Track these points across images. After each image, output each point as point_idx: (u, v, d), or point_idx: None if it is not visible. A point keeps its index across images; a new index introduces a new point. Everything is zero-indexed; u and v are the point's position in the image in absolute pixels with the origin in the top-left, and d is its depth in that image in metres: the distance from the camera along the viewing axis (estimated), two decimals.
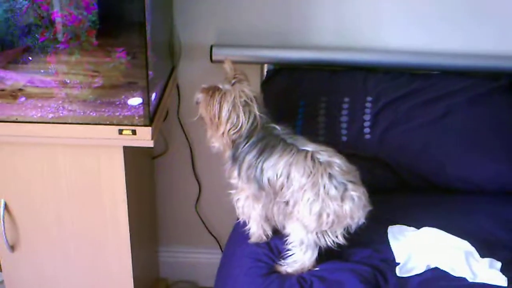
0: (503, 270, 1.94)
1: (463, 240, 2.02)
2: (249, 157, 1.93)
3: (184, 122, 2.63)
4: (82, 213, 2.17)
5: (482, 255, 1.98)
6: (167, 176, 2.77)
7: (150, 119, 2.00)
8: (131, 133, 1.97)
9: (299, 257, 1.93)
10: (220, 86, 1.94)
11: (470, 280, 1.91)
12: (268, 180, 1.91)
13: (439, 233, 2.04)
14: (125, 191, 2.11)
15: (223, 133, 1.95)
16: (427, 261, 1.96)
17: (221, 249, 2.79)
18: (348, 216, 1.86)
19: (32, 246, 2.22)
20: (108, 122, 1.99)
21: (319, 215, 1.85)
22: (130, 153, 2.10)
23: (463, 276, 1.93)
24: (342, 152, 1.94)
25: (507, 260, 1.98)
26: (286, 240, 1.96)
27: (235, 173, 1.99)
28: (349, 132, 2.35)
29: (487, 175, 2.32)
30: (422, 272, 1.94)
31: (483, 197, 2.34)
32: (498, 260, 1.98)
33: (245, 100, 1.92)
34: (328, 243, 1.92)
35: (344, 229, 1.91)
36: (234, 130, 1.94)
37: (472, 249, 1.99)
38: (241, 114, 1.92)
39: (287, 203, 1.91)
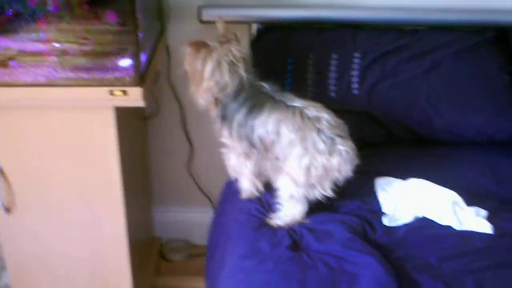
0: (489, 218, 1.98)
1: (450, 190, 2.05)
2: (239, 116, 1.96)
3: (175, 84, 2.64)
4: (77, 174, 2.19)
5: (469, 204, 2.02)
6: (160, 137, 2.80)
7: (140, 80, 2.02)
8: (122, 94, 1.99)
9: (289, 211, 1.97)
10: (209, 44, 1.96)
11: (457, 228, 1.95)
12: (259, 137, 1.94)
13: (426, 183, 2.07)
14: (118, 151, 2.13)
15: (205, 90, 1.97)
16: (414, 211, 2.00)
17: (213, 208, 2.82)
18: (336, 169, 1.90)
19: (27, 208, 2.25)
20: (99, 84, 2.01)
21: (308, 169, 1.89)
22: (122, 114, 2.12)
23: (450, 224, 1.96)
24: (331, 108, 1.96)
25: (493, 209, 2.02)
26: (277, 194, 2.00)
27: (226, 132, 2.02)
28: (337, 88, 2.38)
29: (474, 127, 2.35)
30: (409, 222, 1.98)
31: (470, 148, 2.38)
32: (484, 209, 2.02)
33: (231, 60, 1.94)
34: (317, 196, 1.96)
35: (333, 183, 1.95)
36: (218, 88, 1.96)
37: (458, 198, 2.02)
38: (226, 73, 1.94)
39: (278, 158, 1.95)
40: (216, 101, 2.00)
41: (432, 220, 1.99)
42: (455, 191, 2.05)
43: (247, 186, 2.09)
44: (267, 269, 1.76)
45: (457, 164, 2.28)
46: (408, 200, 2.03)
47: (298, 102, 1.94)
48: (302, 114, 1.90)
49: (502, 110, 2.37)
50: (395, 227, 1.97)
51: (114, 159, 2.15)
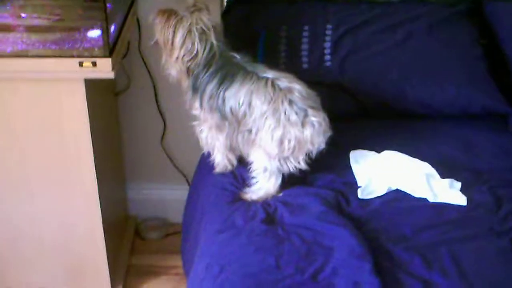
0: (463, 190, 1.98)
1: (424, 162, 2.04)
2: (210, 87, 1.93)
3: (147, 56, 2.60)
4: (46, 150, 2.16)
5: (443, 176, 2.01)
6: (131, 112, 2.76)
7: (110, 50, 1.98)
8: (91, 65, 1.95)
9: (263, 184, 1.96)
10: (179, 12, 1.93)
11: (431, 200, 1.95)
12: (231, 109, 1.92)
13: (400, 156, 2.07)
14: (88, 125, 2.10)
15: (177, 59, 1.93)
16: (388, 183, 2.00)
17: (188, 185, 2.79)
18: (308, 141, 1.89)
19: None
20: (68, 55, 1.98)
21: (281, 141, 1.87)
22: (92, 88, 2.08)
23: (424, 196, 1.96)
24: (304, 80, 1.95)
25: (467, 180, 2.02)
26: (250, 168, 1.98)
27: (197, 103, 1.99)
28: (309, 60, 2.36)
29: (447, 99, 2.35)
30: (383, 194, 1.98)
31: (443, 121, 2.37)
32: (458, 181, 2.02)
33: (201, 28, 1.90)
34: (291, 169, 1.95)
35: (306, 155, 1.93)
36: (189, 57, 1.92)
37: (432, 170, 2.02)
38: (197, 41, 1.90)
39: (250, 131, 1.93)
40: (188, 71, 1.96)
41: (406, 193, 1.99)
42: (429, 163, 2.04)
43: (220, 159, 2.07)
44: (241, 243, 1.75)
45: (430, 137, 2.27)
46: (382, 172, 2.02)
47: (270, 73, 1.92)
48: (274, 85, 1.89)
49: (474, 82, 2.37)
50: (369, 199, 1.96)
51: (85, 134, 2.12)
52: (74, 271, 2.40)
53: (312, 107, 1.89)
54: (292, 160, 1.93)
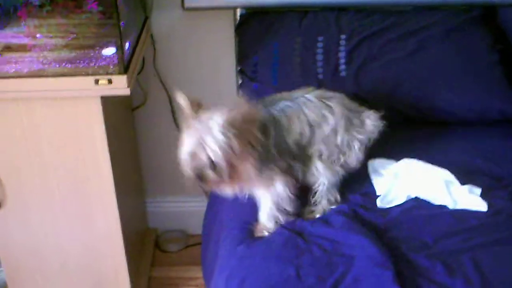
0: (483, 196, 1.96)
1: (443, 169, 2.03)
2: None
3: (162, 72, 2.61)
4: (65, 166, 2.17)
5: (462, 182, 1.99)
6: (148, 127, 2.77)
7: (125, 67, 2.00)
8: (107, 82, 1.97)
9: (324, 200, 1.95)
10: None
11: (451, 207, 1.94)
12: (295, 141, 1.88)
13: (419, 163, 2.05)
14: (106, 142, 2.11)
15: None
16: (407, 192, 1.98)
17: (207, 196, 2.79)
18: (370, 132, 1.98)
19: (18, 201, 2.23)
20: (83, 73, 1.99)
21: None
22: (108, 104, 2.10)
23: (444, 203, 1.95)
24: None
25: (486, 186, 2.00)
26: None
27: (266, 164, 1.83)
28: (324, 70, 2.35)
29: (464, 106, 2.33)
30: (403, 202, 1.96)
31: (460, 128, 2.35)
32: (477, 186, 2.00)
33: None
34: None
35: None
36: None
37: (451, 177, 2.00)
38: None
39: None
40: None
41: (425, 200, 1.97)
42: (447, 170, 2.03)
43: None
44: (261, 254, 1.75)
45: (447, 144, 2.25)
46: (401, 181, 2.01)
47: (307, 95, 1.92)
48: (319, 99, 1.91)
49: (491, 88, 2.35)
50: (388, 208, 1.95)
51: (103, 150, 2.13)
52: (97, 286, 2.41)
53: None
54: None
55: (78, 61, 2.03)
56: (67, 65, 2.01)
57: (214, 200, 2.22)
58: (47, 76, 2.00)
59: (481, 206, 1.94)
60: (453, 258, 1.72)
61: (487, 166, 2.14)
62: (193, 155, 1.65)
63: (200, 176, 1.66)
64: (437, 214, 1.92)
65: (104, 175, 2.18)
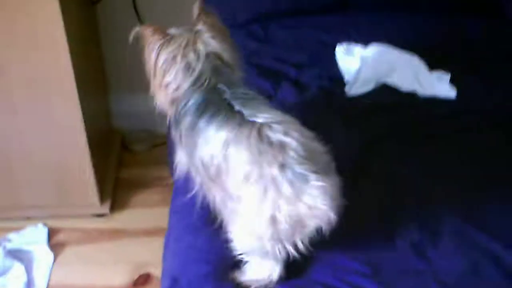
0: (452, 82, 1.95)
1: (412, 55, 2.00)
2: (186, 123, 1.50)
3: None
4: (24, 62, 2.09)
5: (431, 68, 1.98)
6: (111, 21, 2.65)
7: None
8: None
9: (255, 270, 1.46)
10: (171, 30, 1.55)
11: (420, 94, 1.93)
12: (201, 160, 1.44)
13: (388, 48, 2.02)
14: (65, 36, 2.03)
15: (158, 87, 1.59)
16: (376, 78, 1.96)
17: None
18: (309, 218, 1.33)
19: None
20: None
21: (272, 220, 1.32)
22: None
23: (413, 90, 1.94)
24: None
25: (456, 72, 1.98)
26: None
27: (177, 138, 1.59)
28: None
29: None
30: (371, 89, 1.94)
31: (432, 13, 2.30)
32: (448, 72, 1.98)
33: (195, 52, 1.52)
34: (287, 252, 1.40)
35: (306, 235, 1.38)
36: (173, 87, 1.55)
37: (421, 63, 1.99)
38: (179, 73, 1.52)
39: (230, 196, 1.41)
40: (173, 102, 1.58)
41: (394, 87, 1.96)
42: (417, 54, 2.01)
43: None
44: None
45: (419, 29, 2.21)
46: (370, 66, 1.97)
47: (262, 116, 1.36)
48: (262, 135, 1.33)
49: None
50: (356, 95, 1.93)
51: (62, 44, 2.05)
52: (63, 186, 2.39)
53: (315, 172, 1.29)
54: (286, 242, 1.37)
55: None
56: None
57: None
58: None
59: (450, 92, 1.93)
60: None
61: (458, 50, 2.12)
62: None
63: None
64: (405, 101, 1.91)
65: (64, 71, 2.09)
